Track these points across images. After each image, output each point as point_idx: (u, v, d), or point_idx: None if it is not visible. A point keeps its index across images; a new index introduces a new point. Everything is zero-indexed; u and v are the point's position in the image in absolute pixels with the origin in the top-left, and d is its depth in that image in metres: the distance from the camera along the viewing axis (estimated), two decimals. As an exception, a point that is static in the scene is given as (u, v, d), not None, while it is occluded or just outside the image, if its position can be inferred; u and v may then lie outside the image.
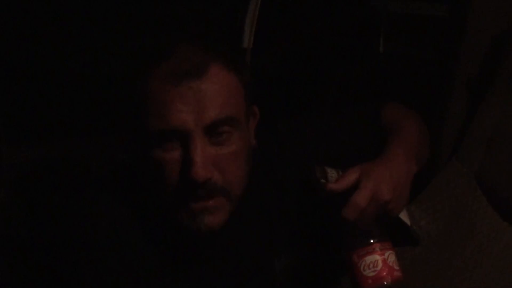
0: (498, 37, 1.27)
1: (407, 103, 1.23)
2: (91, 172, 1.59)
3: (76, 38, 1.72)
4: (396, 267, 1.02)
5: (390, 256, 1.02)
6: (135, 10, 1.76)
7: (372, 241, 1.01)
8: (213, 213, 0.99)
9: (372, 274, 1.00)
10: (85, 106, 1.75)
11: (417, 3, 2.01)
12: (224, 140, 0.98)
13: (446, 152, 1.29)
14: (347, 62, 2.08)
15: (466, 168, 1.22)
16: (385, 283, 1.00)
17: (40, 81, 1.71)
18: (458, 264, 1.14)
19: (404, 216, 1.13)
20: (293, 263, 1.15)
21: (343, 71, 2.09)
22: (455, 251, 1.15)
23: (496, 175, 1.19)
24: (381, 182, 1.01)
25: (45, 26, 1.69)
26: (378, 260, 1.01)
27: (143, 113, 0.98)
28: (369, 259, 1.01)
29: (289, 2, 2.05)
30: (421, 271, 1.15)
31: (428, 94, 1.44)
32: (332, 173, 1.04)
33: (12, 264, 1.50)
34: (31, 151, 1.61)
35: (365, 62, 2.07)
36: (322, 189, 1.03)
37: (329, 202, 1.03)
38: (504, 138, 1.20)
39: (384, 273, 1.00)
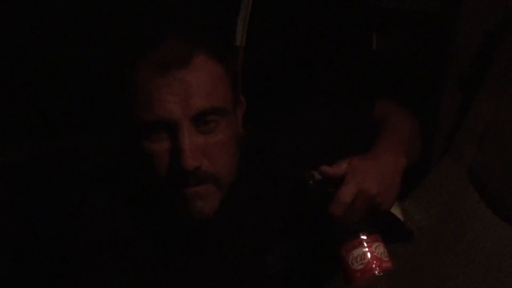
0: (490, 32, 1.27)
1: (400, 100, 1.23)
2: (86, 167, 1.59)
3: (64, 35, 1.71)
4: (385, 258, 1.02)
5: (378, 248, 1.02)
6: (123, 3, 1.76)
7: (359, 234, 1.01)
8: (204, 198, 1.00)
9: (361, 267, 1.00)
10: (77, 102, 1.75)
11: (410, -1, 2.00)
12: (212, 128, 1.00)
13: (439, 149, 1.29)
14: (340, 59, 2.08)
15: (459, 165, 1.22)
16: (375, 273, 1.00)
17: (32, 78, 1.71)
18: (450, 260, 1.14)
19: (397, 212, 1.14)
20: (286, 256, 1.15)
21: (336, 68, 2.09)
22: (447, 247, 1.15)
23: (488, 172, 1.19)
24: (366, 176, 1.01)
25: (33, 24, 1.68)
26: (366, 253, 1.01)
27: (131, 104, 0.99)
28: (356, 252, 1.01)
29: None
30: (413, 267, 1.16)
31: (420, 91, 1.45)
32: (318, 177, 1.05)
33: (7, 261, 1.50)
34: (26, 149, 1.61)
35: (358, 59, 2.07)
36: (310, 189, 1.05)
37: (318, 199, 1.04)
38: (496, 135, 1.20)
39: (373, 265, 1.00)
